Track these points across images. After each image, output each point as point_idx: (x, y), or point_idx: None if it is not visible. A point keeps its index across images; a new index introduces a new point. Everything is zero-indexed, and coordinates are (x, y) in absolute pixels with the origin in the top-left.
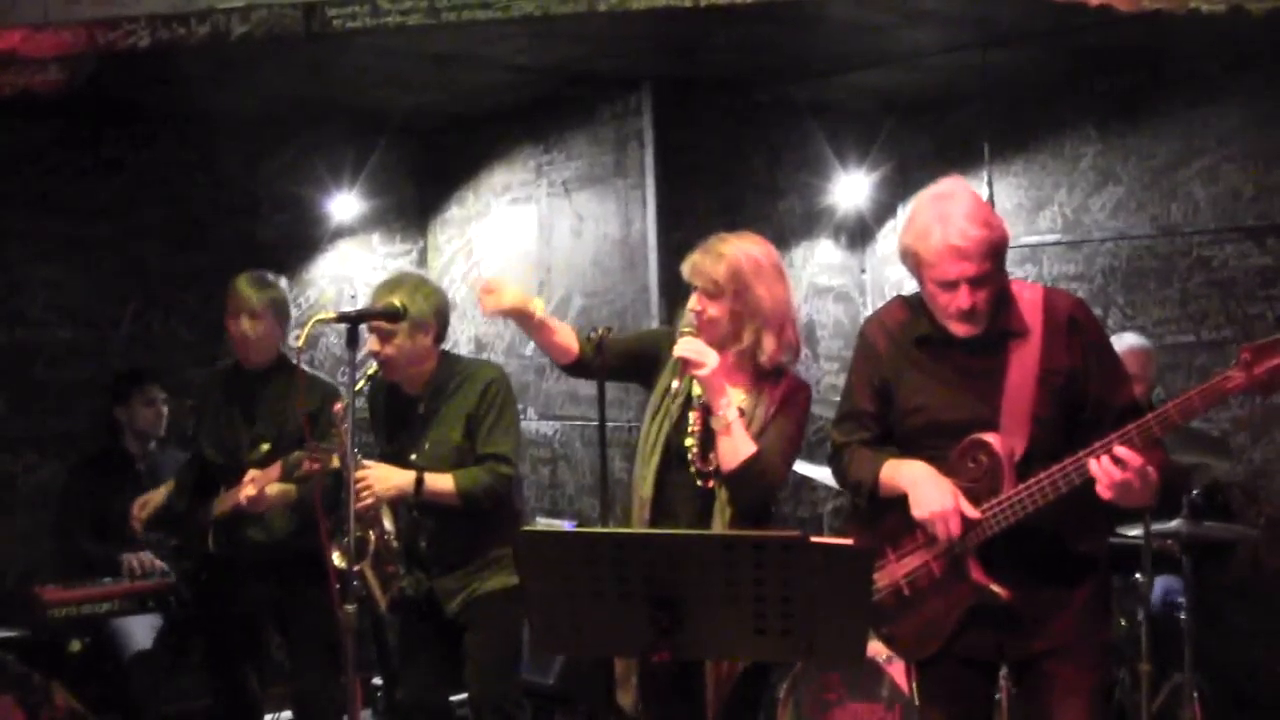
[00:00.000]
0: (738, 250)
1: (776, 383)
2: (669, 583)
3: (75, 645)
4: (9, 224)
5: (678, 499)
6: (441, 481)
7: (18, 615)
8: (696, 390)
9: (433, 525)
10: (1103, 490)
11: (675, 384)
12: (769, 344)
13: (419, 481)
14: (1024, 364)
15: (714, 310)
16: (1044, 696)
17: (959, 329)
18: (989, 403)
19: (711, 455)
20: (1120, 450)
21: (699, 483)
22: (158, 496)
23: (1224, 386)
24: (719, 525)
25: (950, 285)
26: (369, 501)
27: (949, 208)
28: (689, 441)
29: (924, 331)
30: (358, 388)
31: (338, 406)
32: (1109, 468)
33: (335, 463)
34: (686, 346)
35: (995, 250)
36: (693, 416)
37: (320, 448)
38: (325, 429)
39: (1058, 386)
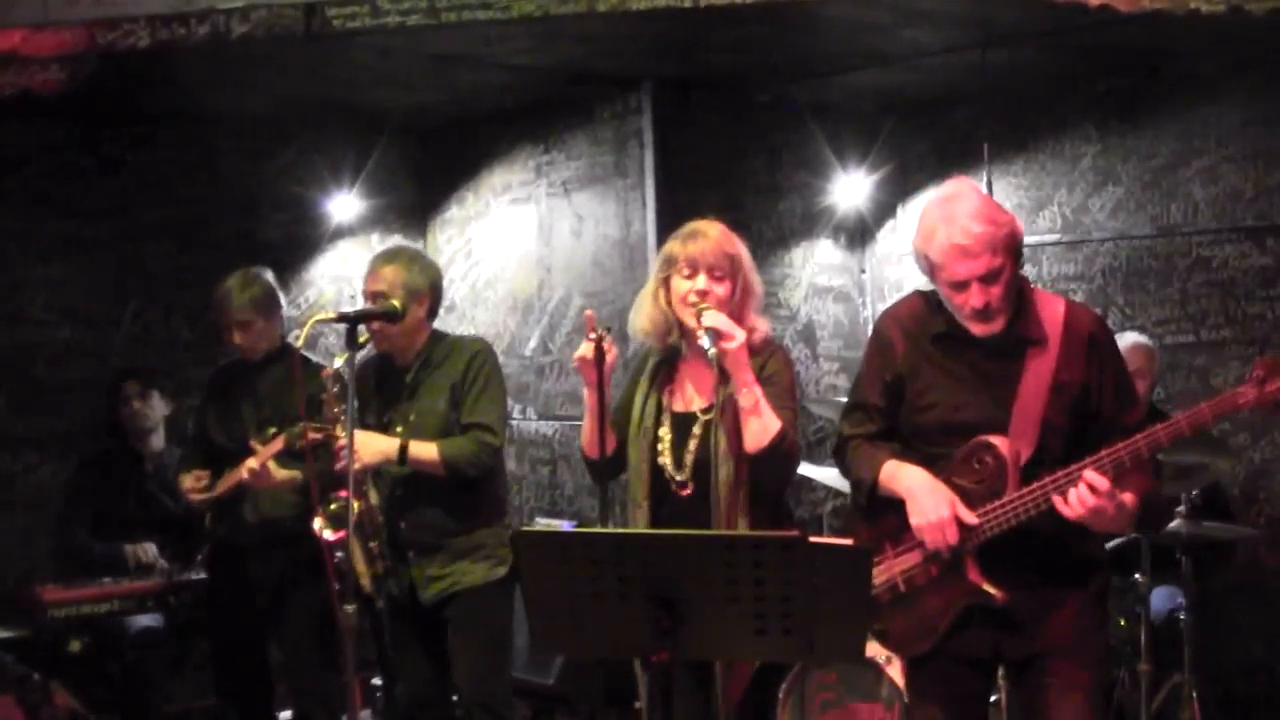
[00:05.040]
0: (727, 236)
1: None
2: (669, 583)
3: (75, 645)
4: (9, 224)
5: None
6: (425, 450)
7: (18, 615)
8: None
9: (411, 505)
10: (1069, 513)
11: (648, 406)
12: (763, 324)
13: (403, 449)
14: (1039, 372)
15: (721, 290)
16: (1042, 695)
17: (977, 328)
18: (1002, 406)
19: (686, 459)
20: (1090, 476)
21: (680, 492)
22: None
23: (1235, 402)
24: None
25: (961, 285)
26: (356, 466)
27: (954, 208)
28: (663, 459)
29: (941, 329)
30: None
31: (326, 372)
32: (1082, 494)
33: (339, 432)
34: (716, 318)
35: (1004, 245)
36: (663, 431)
37: (322, 422)
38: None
39: (1071, 397)
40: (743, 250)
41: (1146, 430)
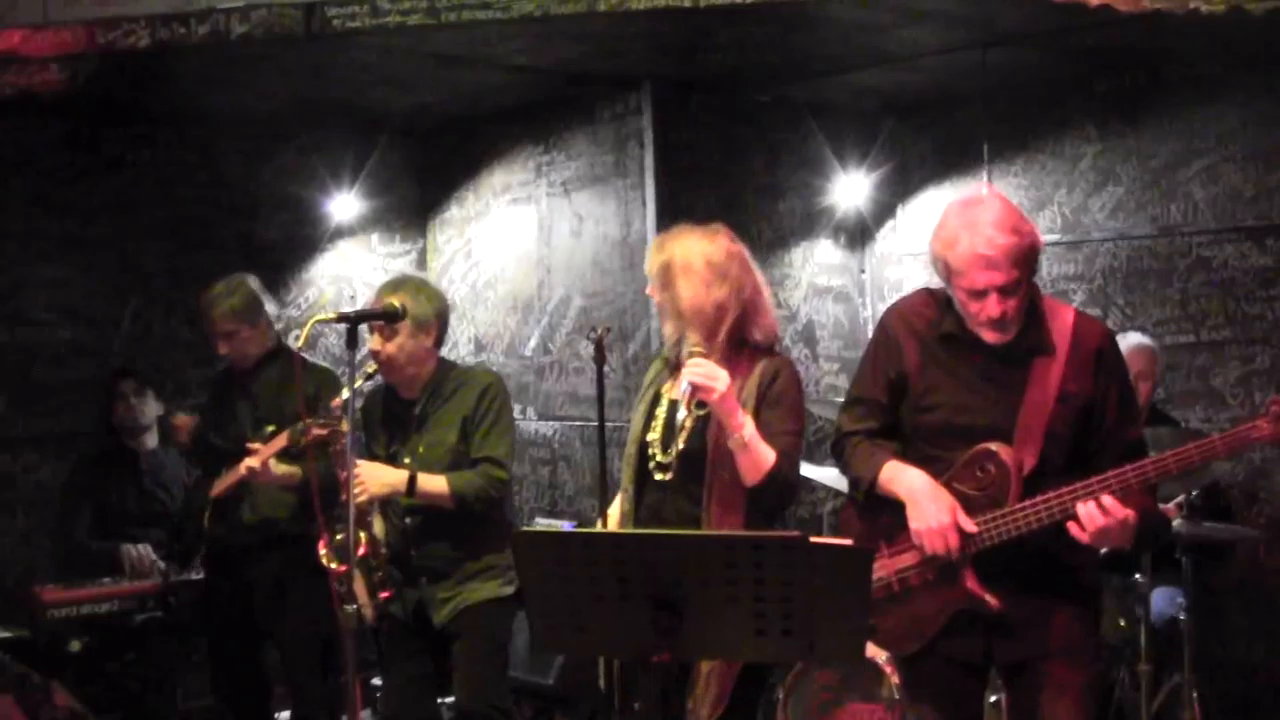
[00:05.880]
0: (677, 246)
1: (752, 361)
2: (669, 583)
3: (75, 645)
4: (9, 224)
5: (649, 516)
6: (435, 483)
7: (18, 615)
8: (665, 389)
9: (422, 534)
10: (1079, 533)
11: (647, 394)
12: (691, 340)
13: (411, 480)
14: (1046, 381)
15: (659, 298)
16: (1035, 696)
17: (989, 336)
18: (1006, 412)
19: (672, 448)
20: (1106, 499)
21: (662, 475)
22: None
23: (1249, 436)
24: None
25: (979, 294)
26: (362, 499)
27: (977, 215)
28: (651, 435)
29: (949, 329)
30: (357, 384)
31: (335, 401)
32: (1093, 512)
33: (344, 426)
34: (694, 371)
35: (1024, 257)
36: (659, 411)
37: (324, 419)
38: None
39: (1075, 409)
40: (679, 267)
41: (1156, 458)
